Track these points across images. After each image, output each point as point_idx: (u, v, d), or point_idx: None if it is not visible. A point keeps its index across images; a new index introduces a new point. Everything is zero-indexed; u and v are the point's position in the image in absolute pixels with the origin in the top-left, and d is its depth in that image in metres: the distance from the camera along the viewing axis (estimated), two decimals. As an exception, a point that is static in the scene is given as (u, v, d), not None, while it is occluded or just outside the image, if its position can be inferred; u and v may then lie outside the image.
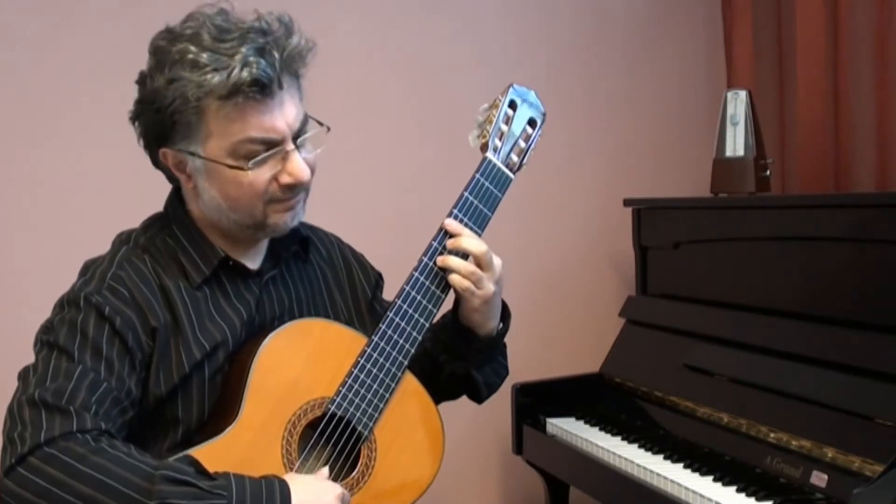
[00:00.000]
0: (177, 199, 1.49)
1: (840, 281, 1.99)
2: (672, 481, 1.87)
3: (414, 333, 1.47)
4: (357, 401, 1.44)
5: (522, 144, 1.58)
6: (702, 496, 1.79)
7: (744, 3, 2.83)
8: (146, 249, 1.44)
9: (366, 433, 1.45)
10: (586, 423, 2.34)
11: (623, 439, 2.18)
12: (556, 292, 2.88)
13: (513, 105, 1.57)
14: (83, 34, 2.45)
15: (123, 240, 1.47)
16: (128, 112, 1.43)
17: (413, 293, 1.48)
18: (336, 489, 1.36)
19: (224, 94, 1.33)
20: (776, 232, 2.17)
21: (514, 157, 1.57)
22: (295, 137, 1.40)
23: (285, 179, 1.40)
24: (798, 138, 2.63)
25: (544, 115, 1.61)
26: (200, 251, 1.45)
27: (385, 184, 2.71)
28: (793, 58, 2.67)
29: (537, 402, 2.43)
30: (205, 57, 1.33)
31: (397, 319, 1.47)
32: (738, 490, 1.80)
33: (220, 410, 1.41)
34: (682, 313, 2.37)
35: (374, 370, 1.45)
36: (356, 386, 1.44)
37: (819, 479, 1.72)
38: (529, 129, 1.59)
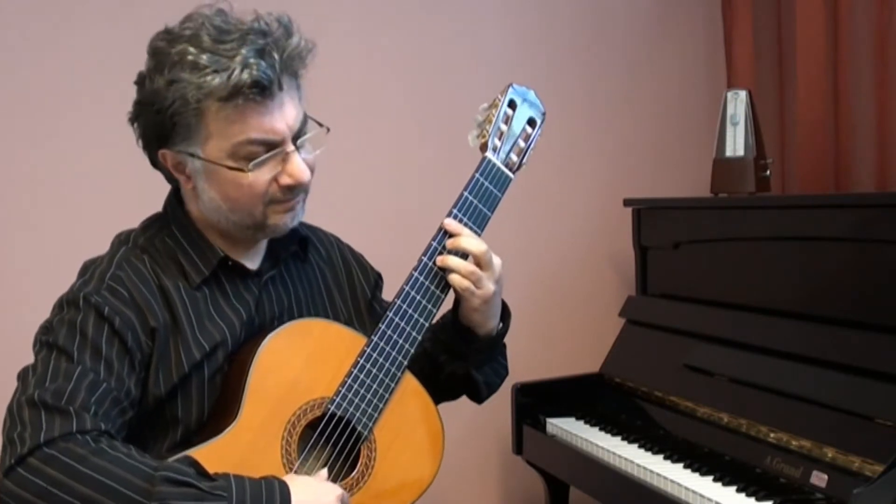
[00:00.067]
0: (176, 199, 1.49)
1: (840, 281, 1.99)
2: (672, 481, 1.87)
3: (413, 333, 1.47)
4: (357, 401, 1.44)
5: (522, 144, 1.58)
6: (702, 496, 1.79)
7: (744, 3, 2.83)
8: (145, 250, 1.44)
9: (365, 433, 1.45)
10: (586, 423, 2.33)
11: (623, 439, 2.18)
12: (556, 292, 2.88)
13: (512, 104, 1.57)
14: (83, 34, 2.45)
15: (122, 240, 1.47)
16: (127, 113, 1.43)
17: (413, 293, 1.48)
18: (336, 490, 1.36)
19: (224, 95, 1.32)
20: (776, 232, 2.17)
21: (514, 157, 1.57)
22: (295, 138, 1.40)
23: (285, 181, 1.40)
24: (798, 138, 2.63)
25: (544, 114, 1.61)
26: (200, 251, 1.45)
27: (385, 184, 2.71)
28: (793, 58, 2.67)
29: (537, 402, 2.43)
30: (204, 58, 1.33)
31: (397, 319, 1.47)
32: (738, 490, 1.80)
33: (220, 411, 1.41)
34: (682, 313, 2.37)
35: (374, 370, 1.45)
36: (356, 386, 1.44)
37: (819, 479, 1.72)
38: (529, 129, 1.59)
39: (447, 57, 2.77)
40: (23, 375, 1.33)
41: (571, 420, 2.37)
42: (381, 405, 1.45)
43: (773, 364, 2.01)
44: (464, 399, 1.67)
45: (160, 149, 1.41)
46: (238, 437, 1.36)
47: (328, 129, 1.45)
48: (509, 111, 1.57)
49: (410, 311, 1.47)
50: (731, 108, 2.54)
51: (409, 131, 2.73)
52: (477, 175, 1.53)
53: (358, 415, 1.44)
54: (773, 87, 2.79)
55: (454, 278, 1.48)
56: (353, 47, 2.65)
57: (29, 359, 1.35)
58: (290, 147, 1.39)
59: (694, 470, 1.93)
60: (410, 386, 1.49)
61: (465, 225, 1.51)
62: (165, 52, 1.36)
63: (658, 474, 1.92)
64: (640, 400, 2.33)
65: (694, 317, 2.32)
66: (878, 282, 1.90)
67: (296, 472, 1.40)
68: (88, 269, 1.43)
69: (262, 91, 1.34)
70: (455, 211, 1.51)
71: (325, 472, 1.41)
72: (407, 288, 1.48)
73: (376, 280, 1.68)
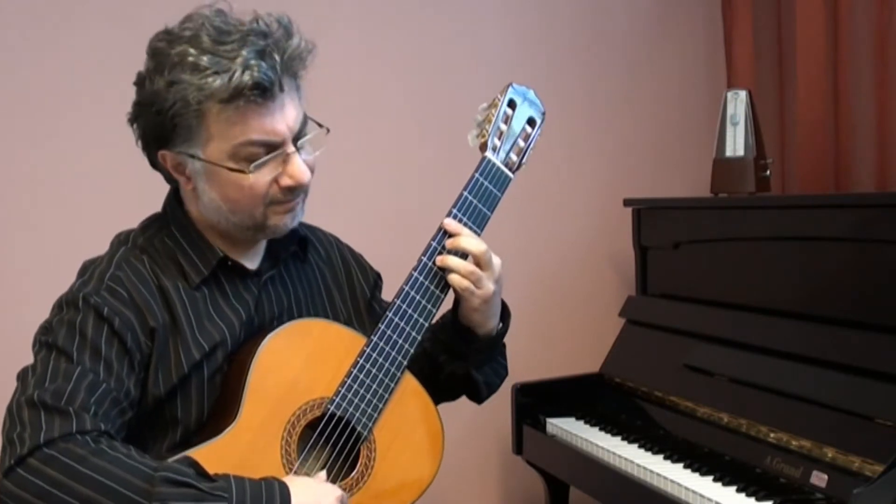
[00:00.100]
0: (175, 199, 1.49)
1: (840, 281, 1.99)
2: (672, 481, 1.87)
3: (413, 333, 1.47)
4: (356, 401, 1.44)
5: (522, 144, 1.58)
6: (702, 496, 1.79)
7: (744, 3, 2.83)
8: (144, 250, 1.44)
9: (365, 433, 1.45)
10: (586, 423, 2.33)
11: (623, 439, 2.18)
12: (556, 292, 2.88)
13: (512, 104, 1.57)
14: (83, 34, 2.45)
15: (122, 240, 1.47)
16: (126, 114, 1.43)
17: (412, 293, 1.48)
18: (335, 491, 1.36)
19: (225, 97, 1.32)
20: (776, 232, 2.17)
21: (514, 157, 1.57)
22: (295, 139, 1.40)
23: (286, 182, 1.40)
24: (798, 138, 2.63)
25: (544, 114, 1.61)
26: (199, 251, 1.45)
27: (385, 184, 2.71)
28: (793, 58, 2.67)
29: (537, 402, 2.43)
30: (205, 60, 1.32)
31: (396, 319, 1.47)
32: (738, 490, 1.80)
33: (220, 411, 1.41)
34: (682, 313, 2.37)
35: (374, 370, 1.45)
36: (355, 386, 1.44)
37: (819, 479, 1.72)
38: (529, 129, 1.59)
39: (447, 57, 2.76)
40: (22, 376, 1.33)
41: (571, 420, 2.37)
42: (380, 405, 1.45)
43: (773, 364, 2.01)
44: (464, 399, 1.67)
45: (160, 150, 1.41)
46: (238, 438, 1.36)
47: (328, 130, 1.45)
48: (509, 111, 1.57)
49: (410, 311, 1.47)
50: (731, 108, 2.54)
51: (409, 131, 2.73)
52: (476, 175, 1.53)
53: (357, 415, 1.44)
54: (773, 87, 2.79)
55: (454, 278, 1.48)
56: (353, 47, 2.65)
57: (29, 359, 1.35)
58: (291, 148, 1.39)
59: (694, 470, 1.92)
60: (410, 386, 1.49)
61: (465, 225, 1.51)
62: (165, 52, 1.35)
63: (658, 474, 1.92)
64: (640, 400, 2.33)
65: (694, 317, 2.32)
66: (878, 282, 1.89)
67: (295, 473, 1.40)
68: (88, 269, 1.43)
69: (263, 93, 1.34)
70: (455, 211, 1.51)
71: (324, 473, 1.41)
72: (406, 288, 1.48)
73: (375, 280, 1.68)
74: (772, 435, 1.89)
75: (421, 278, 1.48)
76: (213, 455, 1.32)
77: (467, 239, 1.49)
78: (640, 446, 2.11)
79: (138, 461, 1.25)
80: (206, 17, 1.37)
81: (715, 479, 1.86)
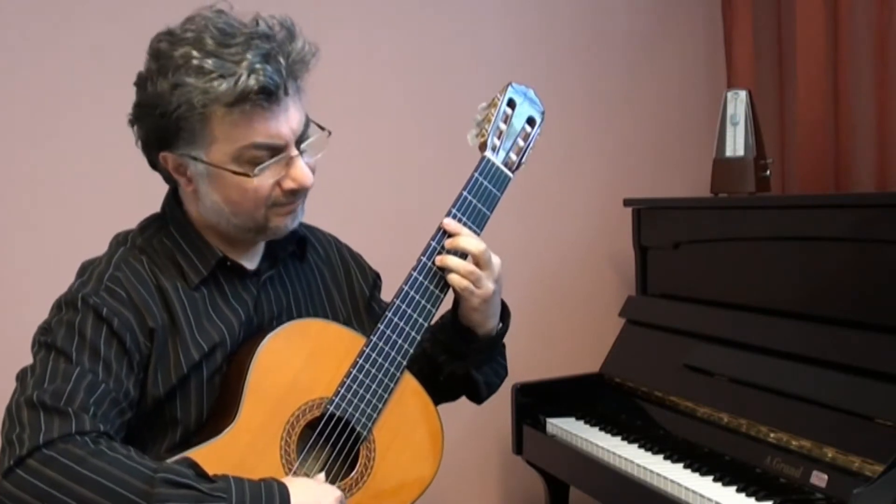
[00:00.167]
0: (174, 200, 1.49)
1: (840, 281, 1.99)
2: (672, 481, 1.87)
3: (413, 333, 1.47)
4: (356, 401, 1.44)
5: (521, 143, 1.58)
6: (702, 496, 1.79)
7: (744, 3, 2.83)
8: (143, 250, 1.44)
9: (365, 433, 1.44)
10: (586, 423, 2.33)
11: (623, 439, 2.18)
12: (556, 292, 2.88)
13: (511, 104, 1.57)
14: (83, 34, 2.45)
15: (120, 241, 1.47)
16: (127, 114, 1.43)
17: (412, 293, 1.48)
18: (335, 492, 1.36)
19: (231, 101, 1.32)
20: (776, 232, 2.17)
21: (513, 156, 1.57)
22: (298, 142, 1.40)
23: (289, 185, 1.40)
24: (798, 138, 2.63)
25: (543, 113, 1.61)
26: (198, 252, 1.44)
27: (385, 184, 2.71)
28: (793, 58, 2.67)
29: (537, 402, 2.43)
30: (210, 63, 1.32)
31: (396, 319, 1.47)
32: (738, 490, 1.79)
33: (219, 411, 1.41)
34: (682, 313, 2.37)
35: (373, 370, 1.45)
36: (355, 386, 1.44)
37: (819, 479, 1.72)
38: (528, 128, 1.59)
39: (447, 57, 2.76)
40: (21, 376, 1.32)
41: (571, 420, 2.37)
42: (380, 405, 1.45)
43: (773, 364, 2.01)
44: (464, 399, 1.67)
45: (161, 151, 1.40)
46: (237, 438, 1.36)
47: (329, 133, 1.45)
48: (508, 110, 1.57)
49: (409, 310, 1.47)
50: (731, 108, 2.54)
51: (409, 131, 2.73)
52: (476, 174, 1.53)
53: (357, 415, 1.44)
54: (773, 87, 2.79)
55: (453, 278, 1.48)
56: (353, 47, 2.65)
57: (28, 359, 1.35)
58: (294, 151, 1.39)
59: (694, 470, 1.92)
60: (410, 386, 1.49)
61: (465, 224, 1.50)
62: (168, 54, 1.35)
63: (658, 474, 1.92)
64: (640, 400, 2.33)
65: (694, 317, 2.32)
66: (878, 282, 1.89)
67: (295, 473, 1.40)
68: (87, 269, 1.43)
69: (268, 97, 1.33)
70: (454, 210, 1.51)
71: (322, 475, 1.41)
72: (406, 288, 1.48)
73: (375, 280, 1.68)
74: (772, 435, 1.89)
75: (420, 278, 1.48)
76: (212, 455, 1.32)
77: (467, 239, 1.49)
78: (640, 446, 2.11)
79: (138, 462, 1.25)
80: (208, 19, 1.36)
81: (715, 479, 1.86)
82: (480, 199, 1.52)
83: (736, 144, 2.53)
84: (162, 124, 1.36)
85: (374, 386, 1.45)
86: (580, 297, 2.90)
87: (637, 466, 1.99)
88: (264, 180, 1.38)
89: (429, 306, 1.48)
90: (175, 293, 1.41)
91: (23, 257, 2.42)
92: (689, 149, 2.94)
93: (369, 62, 2.69)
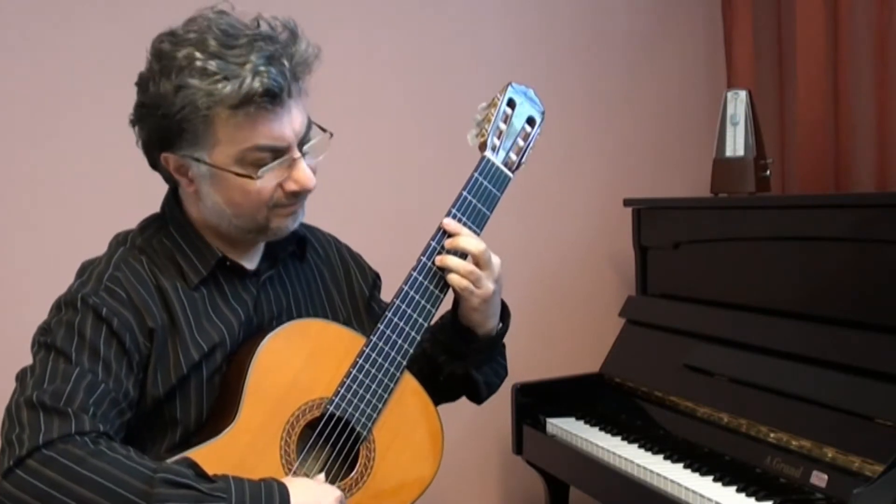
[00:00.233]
0: (174, 200, 1.49)
1: (840, 281, 1.99)
2: (672, 481, 1.87)
3: (413, 333, 1.47)
4: (356, 401, 1.44)
5: (521, 143, 1.57)
6: (702, 496, 1.79)
7: (744, 3, 2.83)
8: (143, 250, 1.44)
9: (364, 433, 1.44)
10: (586, 423, 2.33)
11: (623, 439, 2.18)
12: (556, 292, 2.88)
13: (511, 103, 1.57)
14: (83, 34, 2.45)
15: (120, 241, 1.47)
16: (129, 115, 1.42)
17: (412, 293, 1.48)
18: (335, 492, 1.36)
19: (235, 103, 1.32)
20: (776, 232, 2.17)
21: (513, 156, 1.57)
22: (300, 144, 1.40)
23: (291, 187, 1.40)
24: (798, 138, 2.63)
25: (543, 113, 1.61)
26: (198, 252, 1.44)
27: (385, 184, 2.71)
28: (793, 58, 2.67)
29: (537, 402, 2.43)
30: (213, 65, 1.32)
31: (396, 319, 1.46)
32: (738, 490, 1.79)
33: (219, 411, 1.41)
34: (682, 313, 2.37)
35: (373, 370, 1.45)
36: (354, 386, 1.44)
37: (819, 479, 1.72)
38: (528, 128, 1.59)
39: (447, 57, 2.76)
40: (21, 377, 1.32)
41: (571, 420, 2.37)
42: (379, 405, 1.45)
43: (773, 364, 2.01)
44: (464, 399, 1.67)
45: (163, 152, 1.40)
46: (237, 438, 1.36)
47: (331, 135, 1.45)
48: (508, 110, 1.56)
49: (409, 311, 1.47)
50: (731, 108, 2.54)
51: (409, 131, 2.73)
52: (476, 174, 1.53)
53: (357, 415, 1.44)
54: (773, 87, 2.79)
55: (453, 278, 1.48)
56: (353, 47, 2.65)
57: (28, 359, 1.35)
58: (297, 154, 1.40)
59: (694, 470, 1.92)
60: (409, 386, 1.49)
61: (465, 224, 1.50)
62: (171, 55, 1.34)
63: (658, 474, 1.92)
64: (640, 400, 2.33)
65: (694, 317, 2.32)
66: (878, 282, 1.89)
67: (294, 473, 1.40)
68: (86, 270, 1.43)
69: (272, 99, 1.33)
70: (454, 210, 1.51)
71: (322, 476, 1.41)
72: (406, 288, 1.47)
73: (374, 280, 1.68)
74: (772, 435, 1.89)
75: (420, 278, 1.48)
76: (212, 455, 1.32)
77: (466, 239, 1.49)
78: (640, 446, 2.11)
79: (137, 462, 1.25)
80: (210, 20, 1.36)
81: (715, 479, 1.86)
82: (480, 199, 1.52)
83: (736, 144, 2.53)
84: (164, 125, 1.36)
85: (373, 386, 1.45)
86: (580, 297, 2.90)
87: (637, 466, 1.99)
88: (267, 182, 1.38)
89: (429, 306, 1.48)
90: (175, 293, 1.41)
91: (23, 257, 2.42)
92: (689, 149, 2.94)
93: (369, 62, 2.69)
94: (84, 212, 2.44)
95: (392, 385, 1.46)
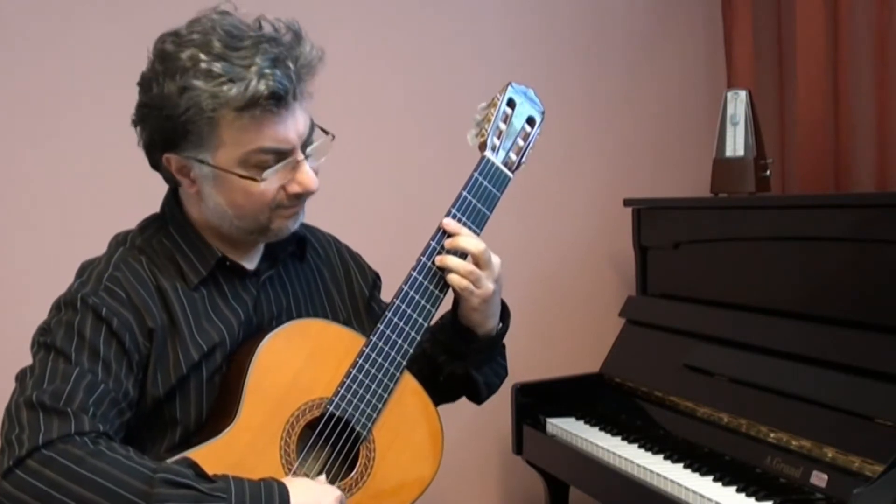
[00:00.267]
0: (174, 200, 1.49)
1: (840, 281, 1.99)
2: (672, 481, 1.87)
3: (412, 333, 1.47)
4: (355, 401, 1.44)
5: (521, 143, 1.57)
6: (702, 496, 1.79)
7: (744, 3, 2.83)
8: (143, 251, 1.44)
9: (364, 433, 1.44)
10: (586, 423, 2.33)
11: (623, 439, 2.18)
12: (556, 292, 2.88)
13: (511, 103, 1.57)
14: (83, 34, 2.45)
15: (120, 241, 1.47)
16: (130, 115, 1.42)
17: (412, 293, 1.47)
18: (335, 492, 1.36)
19: (240, 105, 1.32)
20: (776, 232, 2.17)
21: (513, 156, 1.57)
22: (303, 147, 1.40)
23: (294, 189, 1.40)
24: (798, 138, 2.63)
25: (543, 113, 1.61)
26: (197, 252, 1.44)
27: (385, 184, 2.71)
28: (793, 58, 2.67)
29: (537, 402, 2.43)
30: (218, 66, 1.31)
31: (396, 319, 1.46)
32: (738, 490, 1.79)
33: (219, 411, 1.41)
34: (682, 313, 2.37)
35: (373, 370, 1.45)
36: (354, 386, 1.44)
37: (819, 479, 1.72)
38: (528, 128, 1.58)
39: (447, 57, 2.76)
40: (21, 377, 1.32)
41: (571, 420, 2.37)
42: (379, 405, 1.45)
43: (773, 364, 2.01)
44: (464, 400, 1.67)
45: (166, 153, 1.40)
46: (237, 438, 1.36)
47: (333, 137, 1.45)
48: (508, 110, 1.56)
49: (409, 311, 1.47)
50: (731, 108, 2.54)
51: (409, 131, 2.73)
52: (476, 174, 1.53)
53: (357, 415, 1.43)
54: (773, 87, 2.79)
55: (453, 278, 1.48)
56: (353, 47, 2.65)
57: (28, 360, 1.35)
58: (300, 156, 1.40)
59: (694, 470, 1.92)
60: (409, 386, 1.49)
61: (464, 224, 1.50)
62: (174, 56, 1.34)
63: (658, 474, 1.92)
64: (640, 400, 2.33)
65: (694, 317, 2.32)
66: (878, 282, 1.89)
67: (294, 473, 1.40)
68: (86, 270, 1.43)
69: (278, 102, 1.33)
70: (454, 210, 1.51)
71: (322, 477, 1.41)
72: (406, 288, 1.47)
73: (374, 280, 1.68)
74: (772, 435, 1.89)
75: (420, 278, 1.48)
76: (212, 455, 1.32)
77: (466, 238, 1.49)
78: (640, 446, 2.11)
79: (137, 462, 1.25)
80: (214, 21, 1.35)
81: (715, 479, 1.86)
82: (480, 198, 1.52)
83: (736, 144, 2.53)
84: (168, 126, 1.36)
85: (373, 386, 1.45)
86: (580, 297, 2.90)
87: (637, 466, 1.99)
88: (270, 184, 1.38)
89: (428, 306, 1.48)
90: (174, 293, 1.41)
91: (23, 257, 2.42)
92: (689, 149, 2.94)
93: (369, 62, 2.69)
94: (84, 212, 2.44)
95: (392, 385, 1.46)
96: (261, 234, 1.45)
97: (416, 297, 1.48)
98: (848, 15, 2.49)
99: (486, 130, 1.54)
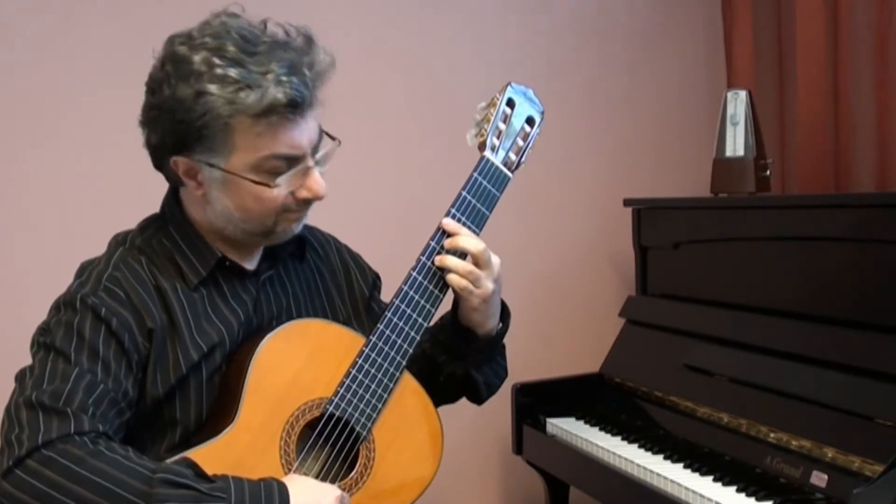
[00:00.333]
0: (174, 200, 1.48)
1: (840, 281, 1.99)
2: (672, 481, 1.87)
3: (412, 333, 1.47)
4: (355, 401, 1.43)
5: (521, 143, 1.57)
6: (702, 496, 1.79)
7: (744, 3, 2.83)
8: (142, 251, 1.44)
9: (364, 433, 1.44)
10: (586, 423, 2.33)
11: (623, 439, 2.18)
12: (556, 292, 2.88)
13: (511, 103, 1.57)
14: (83, 34, 2.45)
15: (119, 241, 1.47)
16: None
17: (411, 293, 1.47)
18: (335, 491, 1.36)
19: (257, 112, 1.32)
20: (776, 232, 2.17)
21: (513, 156, 1.57)
22: (312, 152, 1.40)
23: (304, 195, 1.41)
24: (798, 138, 2.63)
25: (542, 113, 1.60)
26: (197, 252, 1.44)
27: (385, 184, 2.71)
28: (793, 58, 2.67)
29: (537, 402, 2.42)
30: (234, 72, 1.31)
31: (395, 319, 1.46)
32: (738, 490, 1.79)
33: (219, 411, 1.41)
34: (682, 313, 2.37)
35: (373, 370, 1.45)
36: (354, 386, 1.44)
37: (819, 479, 1.72)
38: (528, 128, 1.58)
39: (448, 57, 2.76)
40: (20, 377, 1.32)
41: (571, 420, 2.37)
42: (379, 405, 1.45)
43: (773, 364, 2.01)
44: (464, 400, 1.67)
45: (175, 155, 1.39)
46: (236, 438, 1.36)
47: (339, 143, 1.45)
48: (508, 110, 1.56)
49: (409, 310, 1.47)
50: (731, 108, 2.54)
51: (409, 131, 2.73)
52: (475, 174, 1.53)
53: (356, 415, 1.43)
54: (773, 87, 2.79)
55: (452, 278, 1.48)
56: (353, 47, 2.65)
57: (28, 360, 1.35)
58: (311, 162, 1.40)
59: (694, 470, 1.92)
60: (409, 386, 1.49)
61: (464, 224, 1.50)
62: (187, 59, 1.33)
63: (658, 474, 1.92)
64: (640, 400, 2.33)
65: (694, 317, 2.31)
66: (878, 282, 1.89)
67: (294, 473, 1.40)
68: (85, 270, 1.43)
69: (294, 109, 1.34)
70: (453, 210, 1.51)
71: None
72: (405, 288, 1.47)
73: (374, 280, 1.68)
74: (772, 435, 1.89)
75: (420, 278, 1.48)
76: (211, 455, 1.32)
77: (465, 238, 1.49)
78: (640, 446, 2.11)
79: (136, 462, 1.25)
80: (226, 24, 1.35)
81: (715, 479, 1.86)
82: (480, 198, 1.52)
83: (736, 144, 2.53)
84: (180, 130, 1.35)
85: (373, 386, 1.45)
86: (580, 297, 2.90)
87: (637, 466, 1.99)
88: (281, 190, 1.39)
89: (428, 306, 1.48)
90: (174, 294, 1.41)
91: (23, 257, 2.42)
92: (689, 149, 2.94)
93: (369, 62, 2.69)
94: (84, 212, 2.44)
95: (392, 385, 1.46)
96: (265, 236, 1.45)
97: (416, 297, 1.48)
98: (848, 15, 2.49)
99: (486, 130, 1.54)
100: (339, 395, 1.43)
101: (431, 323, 1.53)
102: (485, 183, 1.53)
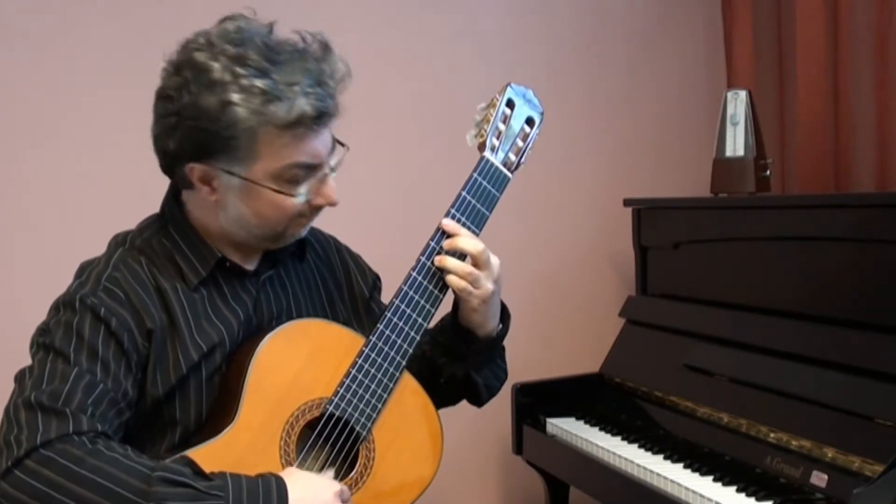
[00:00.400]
0: (174, 200, 1.48)
1: (840, 281, 1.99)
2: (672, 481, 1.87)
3: (412, 334, 1.47)
4: (355, 401, 1.44)
5: (520, 143, 1.57)
6: (702, 496, 1.79)
7: (744, 3, 2.83)
8: (142, 251, 1.44)
9: (364, 433, 1.44)
10: (586, 423, 2.33)
11: (623, 439, 2.18)
12: (556, 292, 2.88)
13: (510, 104, 1.57)
14: (83, 34, 2.45)
15: (119, 241, 1.47)
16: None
17: (411, 293, 1.48)
18: (334, 485, 1.36)
19: (285, 124, 1.32)
20: (776, 232, 2.17)
21: (513, 157, 1.57)
22: (328, 160, 1.41)
23: (319, 201, 1.42)
24: (798, 138, 2.63)
25: (542, 113, 1.61)
26: (197, 253, 1.44)
27: (385, 184, 2.71)
28: (793, 58, 2.67)
29: (537, 402, 2.43)
30: (260, 83, 1.31)
31: (395, 320, 1.46)
32: (738, 490, 1.79)
33: (218, 411, 1.41)
34: (682, 313, 2.37)
35: (373, 370, 1.45)
36: (354, 386, 1.44)
37: (819, 479, 1.72)
38: (527, 128, 1.59)
39: (448, 56, 2.76)
40: (19, 377, 1.32)
41: (571, 420, 2.37)
42: (379, 405, 1.45)
43: (773, 364, 2.01)
44: (464, 400, 1.67)
45: (193, 162, 1.38)
46: (236, 438, 1.36)
47: (348, 149, 1.45)
48: (507, 110, 1.56)
49: (409, 311, 1.47)
50: (731, 108, 2.54)
51: (409, 131, 2.73)
52: (475, 175, 1.53)
53: (356, 415, 1.43)
54: (773, 87, 2.79)
55: (452, 279, 1.48)
56: (354, 47, 2.61)
57: (27, 360, 1.35)
58: (327, 169, 1.41)
59: (694, 470, 1.92)
60: (409, 386, 1.49)
61: (464, 225, 1.50)
62: (207, 66, 1.32)
63: (658, 474, 1.92)
64: (640, 400, 2.33)
65: (694, 317, 2.31)
66: (878, 282, 1.89)
67: (294, 472, 1.40)
68: (85, 270, 1.42)
69: (320, 120, 1.35)
70: (453, 211, 1.51)
71: (331, 473, 1.41)
72: (405, 288, 1.47)
73: (374, 281, 1.68)
74: (772, 435, 1.89)
75: (419, 278, 1.48)
76: (211, 455, 1.32)
77: (465, 239, 1.48)
78: (640, 446, 2.11)
79: (135, 461, 1.25)
80: (244, 30, 1.34)
81: (715, 479, 1.86)
82: (479, 199, 1.52)
83: (736, 144, 2.53)
84: (203, 138, 1.34)
85: (373, 386, 1.45)
86: (580, 297, 2.90)
87: (637, 466, 1.99)
88: (300, 198, 1.39)
89: (428, 306, 1.48)
90: (174, 294, 1.41)
91: (23, 257, 2.42)
92: (689, 149, 2.94)
93: (369, 62, 2.67)
94: (84, 212, 2.44)
95: (391, 385, 1.46)
96: (273, 241, 1.46)
97: (416, 297, 1.48)
98: (848, 15, 2.49)
99: (486, 131, 1.54)
100: (339, 394, 1.43)
101: (431, 323, 1.53)
102: (484, 183, 1.53)
